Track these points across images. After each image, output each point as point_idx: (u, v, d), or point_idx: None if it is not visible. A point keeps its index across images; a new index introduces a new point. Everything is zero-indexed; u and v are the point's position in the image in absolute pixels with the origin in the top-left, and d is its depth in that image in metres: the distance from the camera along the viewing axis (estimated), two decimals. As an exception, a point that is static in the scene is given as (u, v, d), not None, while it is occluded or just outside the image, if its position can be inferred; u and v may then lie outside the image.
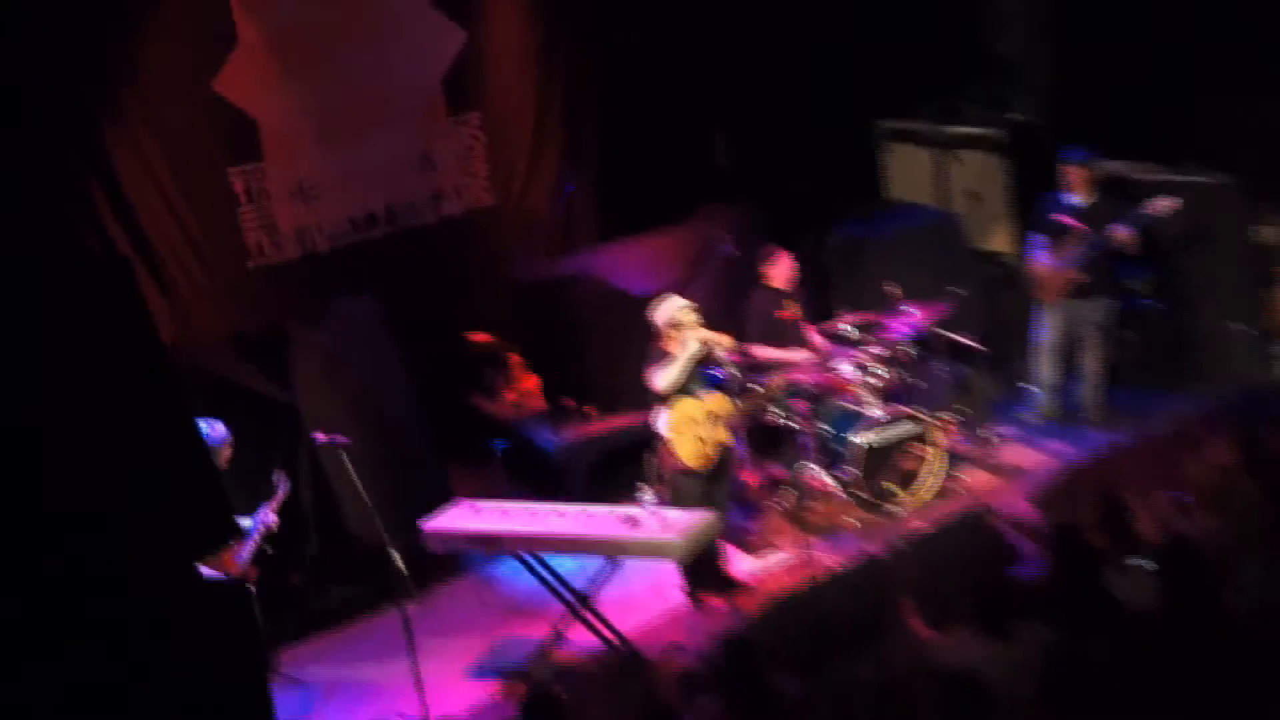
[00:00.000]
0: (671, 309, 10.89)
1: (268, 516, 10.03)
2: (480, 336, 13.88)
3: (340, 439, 10.28)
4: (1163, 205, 12.53)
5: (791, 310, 12.32)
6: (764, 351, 12.09)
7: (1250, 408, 12.25)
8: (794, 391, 12.13)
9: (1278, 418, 11.24)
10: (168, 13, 12.63)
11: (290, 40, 13.46)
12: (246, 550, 9.83)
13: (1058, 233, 12.81)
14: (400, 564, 9.97)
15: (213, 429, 9.75)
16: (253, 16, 13.18)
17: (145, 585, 6.40)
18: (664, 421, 10.95)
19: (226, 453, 9.83)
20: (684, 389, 10.87)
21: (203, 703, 6.60)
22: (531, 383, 13.69)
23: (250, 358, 11.47)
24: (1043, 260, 12.97)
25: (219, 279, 13.26)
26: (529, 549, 10.67)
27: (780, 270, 12.21)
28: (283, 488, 10.16)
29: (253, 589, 9.75)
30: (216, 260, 13.29)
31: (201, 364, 11.19)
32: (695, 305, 11.00)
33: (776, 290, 12.28)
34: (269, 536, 10.03)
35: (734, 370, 11.26)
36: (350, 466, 10.12)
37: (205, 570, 9.12)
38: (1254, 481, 9.63)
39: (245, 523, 9.80)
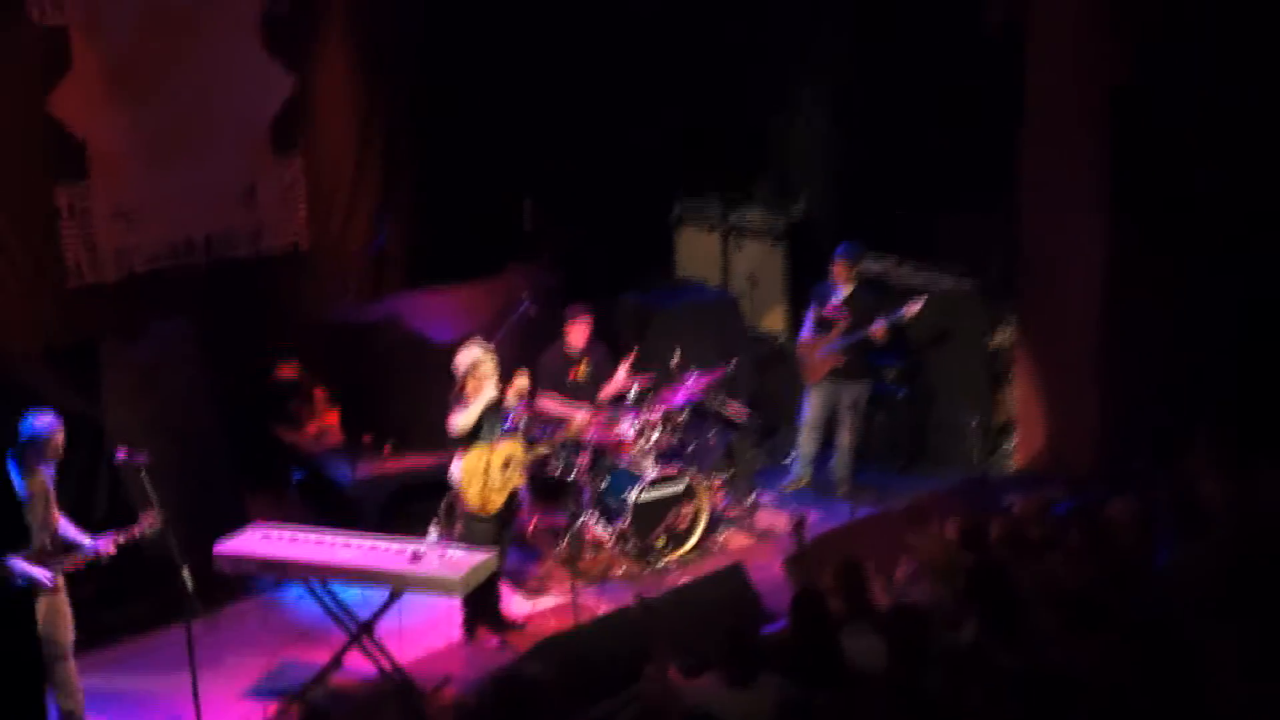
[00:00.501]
0: (473, 354, 10.76)
1: (107, 545, 9.53)
2: (287, 369, 13.76)
3: (139, 457, 9.91)
4: (915, 308, 12.72)
5: (582, 369, 12.27)
6: (549, 403, 12.00)
7: (976, 493, 12.38)
8: (577, 445, 12.02)
9: (998, 506, 11.42)
10: (5, 33, 12.33)
11: (124, 67, 13.12)
12: (59, 565, 9.41)
13: (823, 320, 12.87)
14: (189, 581, 9.62)
15: (40, 418, 9.34)
16: (90, 42, 12.87)
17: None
18: (457, 467, 10.79)
19: (59, 439, 9.40)
20: (479, 434, 10.70)
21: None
22: (333, 418, 13.49)
23: (60, 371, 11.11)
24: (808, 343, 13.05)
25: (36, 292, 12.86)
26: (316, 576, 10.39)
27: (578, 330, 12.15)
28: (142, 526, 9.60)
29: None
30: (35, 274, 12.89)
31: (9, 373, 10.81)
32: (493, 350, 10.85)
33: (570, 349, 12.22)
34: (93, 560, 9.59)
35: (523, 418, 11.15)
36: (148, 483, 9.75)
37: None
38: (970, 556, 9.71)
39: (86, 541, 9.50)
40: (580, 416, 11.98)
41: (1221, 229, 12.40)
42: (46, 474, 9.39)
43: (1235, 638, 8.69)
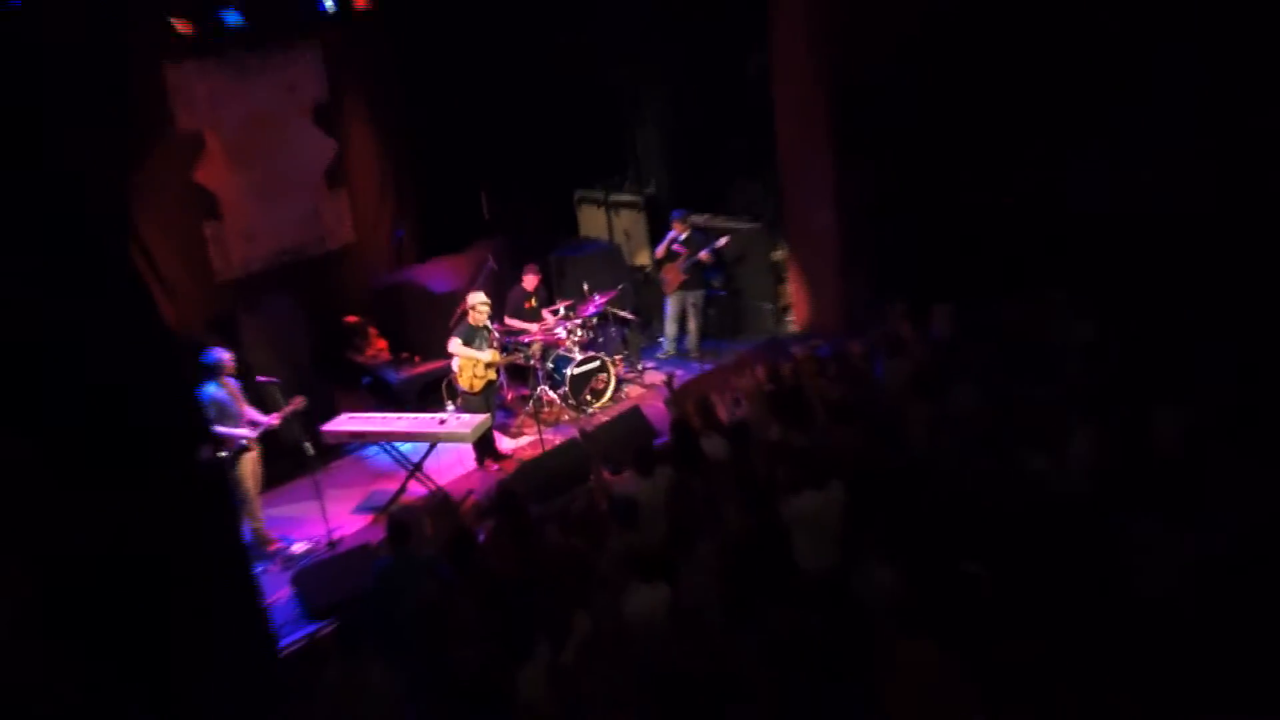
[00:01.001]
0: (477, 298, 11.13)
1: (275, 419, 9.96)
2: (351, 318, 13.81)
3: (271, 379, 10.31)
4: (724, 241, 13.06)
5: (533, 302, 12.51)
6: (515, 324, 12.24)
7: (772, 348, 12.64)
8: (530, 347, 12.20)
9: (787, 354, 11.61)
10: (164, 135, 12.57)
11: (237, 148, 13.26)
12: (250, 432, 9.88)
13: (671, 254, 13.17)
14: (310, 450, 10.02)
15: (215, 350, 9.79)
16: (215, 135, 13.04)
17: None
18: (455, 364, 11.12)
19: (228, 361, 9.81)
20: (473, 345, 11.02)
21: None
22: (383, 344, 13.61)
23: (218, 332, 11.15)
24: (665, 268, 13.30)
25: (199, 287, 13.07)
26: (384, 439, 10.82)
27: (530, 279, 12.38)
28: (293, 406, 10.01)
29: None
30: (198, 277, 13.12)
31: (191, 336, 10.98)
32: (487, 299, 11.17)
33: (525, 290, 12.43)
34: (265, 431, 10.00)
35: (499, 336, 11.39)
36: (279, 394, 10.18)
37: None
38: (774, 386, 9.97)
39: (263, 418, 9.95)
40: (535, 329, 12.29)
41: (906, 180, 12.65)
42: (233, 384, 9.79)
43: (926, 412, 9.27)
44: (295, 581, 9.19)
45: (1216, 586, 7.07)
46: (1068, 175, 11.95)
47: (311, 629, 8.71)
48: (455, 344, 11.07)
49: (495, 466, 11.08)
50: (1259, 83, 10.67)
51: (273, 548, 10.09)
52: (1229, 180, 11.01)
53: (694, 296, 13.30)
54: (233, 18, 12.21)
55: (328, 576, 9.07)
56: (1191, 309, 10.29)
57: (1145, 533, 6.98)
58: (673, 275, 13.21)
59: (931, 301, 10.83)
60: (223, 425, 9.58)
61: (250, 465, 9.89)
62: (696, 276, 13.24)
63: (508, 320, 12.22)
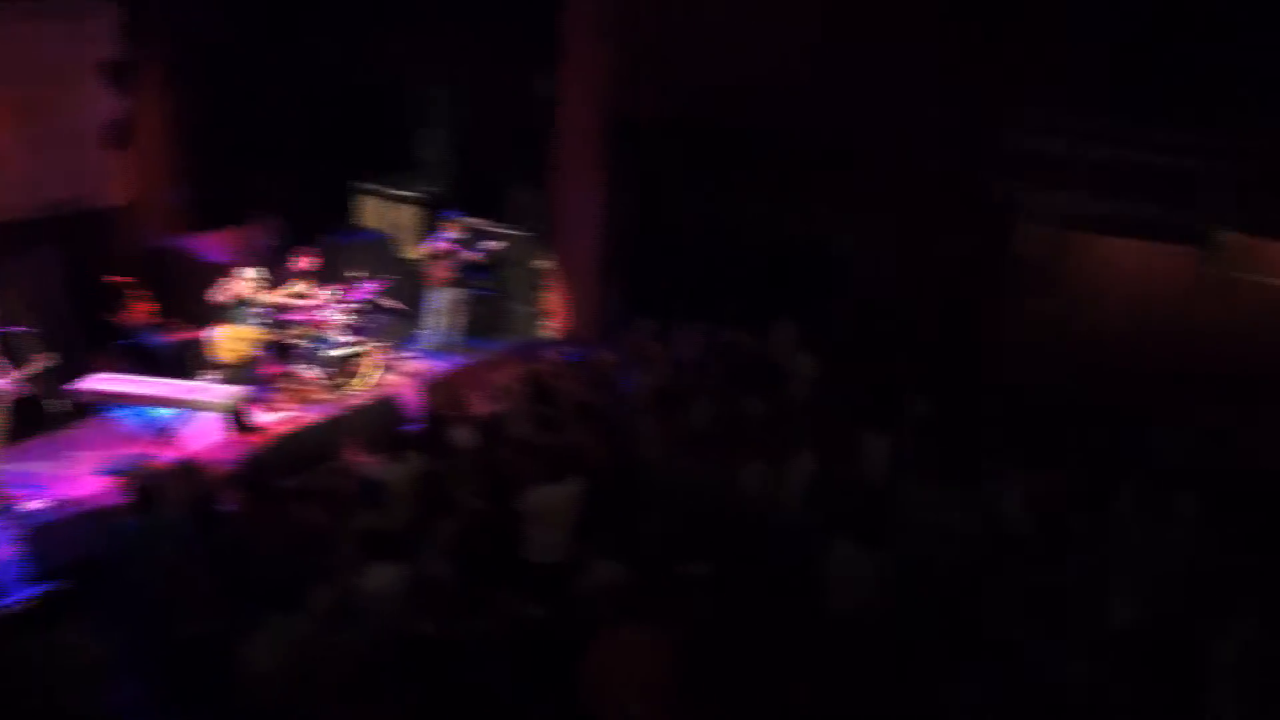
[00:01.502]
0: (244, 274, 11.08)
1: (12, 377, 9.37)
2: (117, 278, 12.94)
3: (23, 329, 9.68)
4: (493, 245, 13.11)
5: (303, 282, 12.06)
6: (282, 302, 11.81)
7: (528, 350, 12.80)
8: (295, 326, 11.87)
9: (541, 356, 11.84)
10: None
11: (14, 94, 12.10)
12: None
13: (441, 252, 13.03)
14: (57, 406, 9.47)
15: None
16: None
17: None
18: (215, 334, 10.72)
19: None
20: (235, 319, 10.67)
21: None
22: (146, 308, 12.69)
23: None
24: (436, 264, 13.17)
25: None
26: (138, 403, 10.31)
27: (301, 260, 12.00)
28: (38, 362, 9.41)
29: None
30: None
31: None
32: (256, 275, 10.77)
33: (296, 270, 12.02)
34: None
35: (264, 312, 11.04)
36: (30, 346, 9.62)
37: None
38: (527, 386, 10.14)
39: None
40: (300, 309, 11.91)
41: (665, 212, 13.20)
42: None
43: (660, 423, 9.53)
44: (27, 539, 8.60)
45: (903, 602, 7.64)
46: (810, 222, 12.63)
47: (41, 589, 8.15)
48: (219, 316, 10.64)
49: (248, 439, 10.76)
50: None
51: (5, 503, 9.44)
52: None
53: (459, 293, 13.26)
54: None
55: (63, 537, 8.53)
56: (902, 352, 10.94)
57: (843, 552, 7.41)
58: (441, 271, 13.13)
59: (677, 323, 11.23)
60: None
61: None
62: (464, 275, 13.21)
63: (275, 297, 11.81)
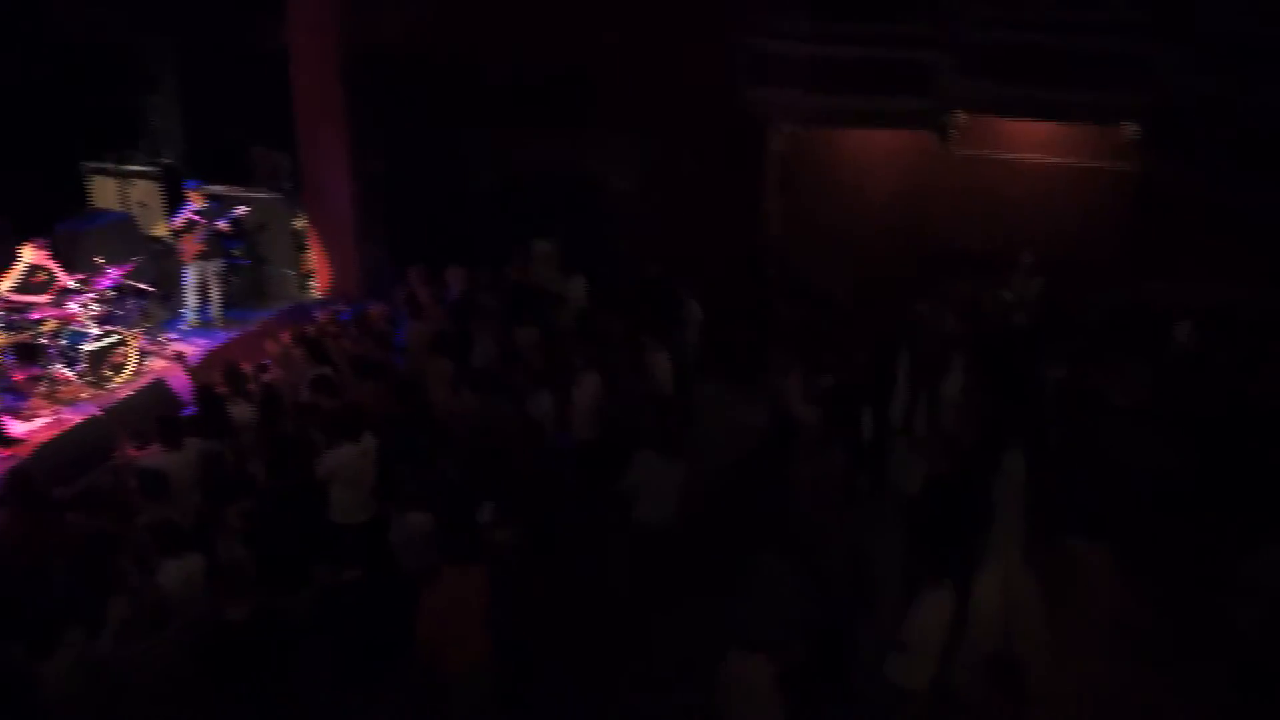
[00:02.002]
0: None
1: None
2: None
3: None
4: (242, 210, 12.40)
5: (42, 276, 10.99)
6: (20, 299, 10.76)
7: (297, 314, 12.32)
8: (41, 324, 10.86)
9: (311, 319, 11.35)
10: None
11: None
12: None
13: (190, 225, 12.26)
14: None
15: None
16: None
17: None
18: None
19: None
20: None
21: None
22: None
23: None
24: (184, 238, 12.34)
25: None
26: None
27: (32, 252, 10.85)
28: None
29: None
30: None
31: None
32: None
33: (27, 265, 10.87)
34: None
35: (2, 314, 10.16)
36: None
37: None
38: (301, 350, 9.76)
39: None
40: (41, 302, 10.89)
41: (417, 152, 12.78)
42: None
43: (446, 367, 9.29)
44: None
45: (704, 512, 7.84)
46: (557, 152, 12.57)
47: None
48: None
49: (6, 453, 9.83)
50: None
51: None
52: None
53: (214, 266, 12.45)
54: None
55: None
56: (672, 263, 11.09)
57: (643, 463, 7.50)
58: (191, 245, 12.29)
59: (445, 265, 10.99)
60: None
61: None
62: (215, 246, 12.40)
63: (10, 296, 10.76)
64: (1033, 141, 12.08)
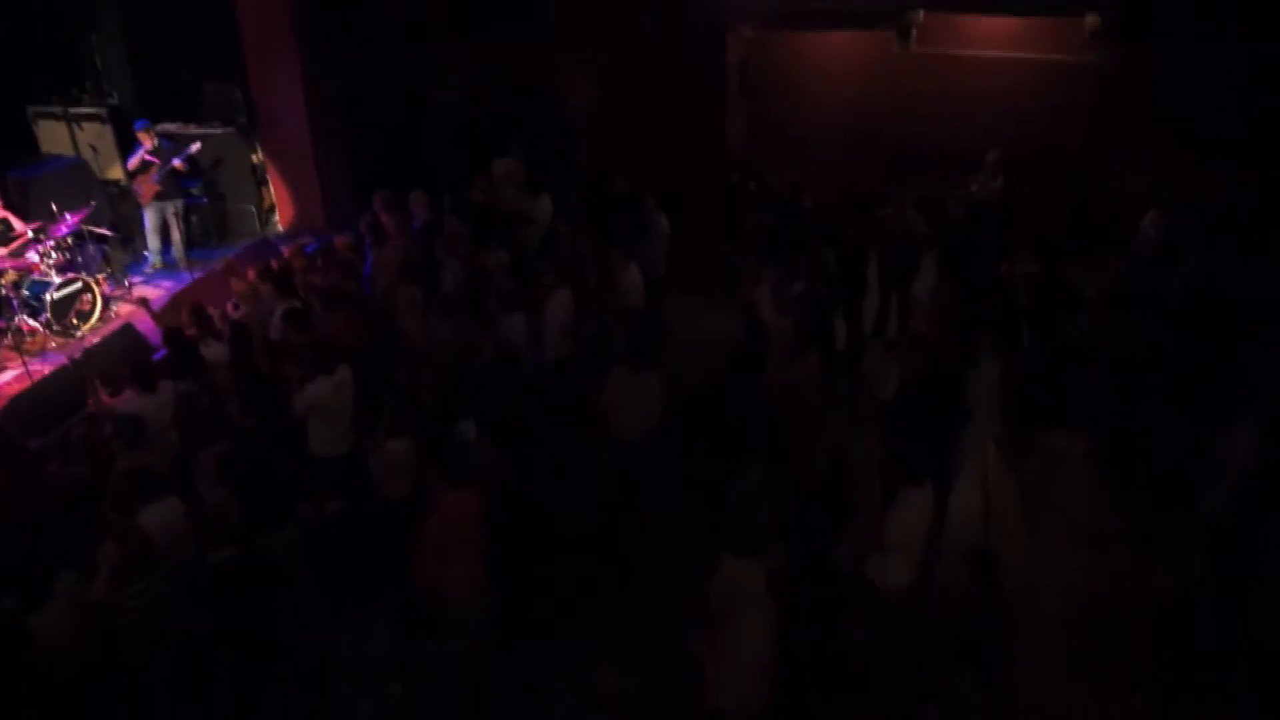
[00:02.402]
0: None
1: None
2: None
3: None
4: (196, 147, 12.16)
5: None
6: None
7: (261, 250, 12.10)
8: (5, 276, 10.66)
9: (277, 254, 11.24)
10: None
11: None
12: None
13: (144, 164, 12.02)
14: None
15: None
16: None
17: None
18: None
19: None
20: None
21: None
22: None
23: None
24: (139, 179, 12.11)
25: None
26: None
27: None
28: None
29: None
30: None
31: None
32: None
33: None
34: None
35: None
36: None
37: None
38: (268, 285, 9.60)
39: None
40: (-1, 256, 10.78)
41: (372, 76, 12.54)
42: None
43: (415, 294, 9.22)
44: None
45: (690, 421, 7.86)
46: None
47: None
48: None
49: (-22, 405, 9.72)
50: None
51: None
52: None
53: (173, 206, 12.25)
54: None
55: None
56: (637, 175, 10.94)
57: (619, 379, 7.50)
58: (147, 187, 12.07)
59: (408, 190, 10.81)
60: None
61: None
62: (172, 186, 12.19)
63: (-32, 251, 10.58)
64: (993, 37, 11.98)
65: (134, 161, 12.08)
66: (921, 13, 11.61)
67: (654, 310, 9.67)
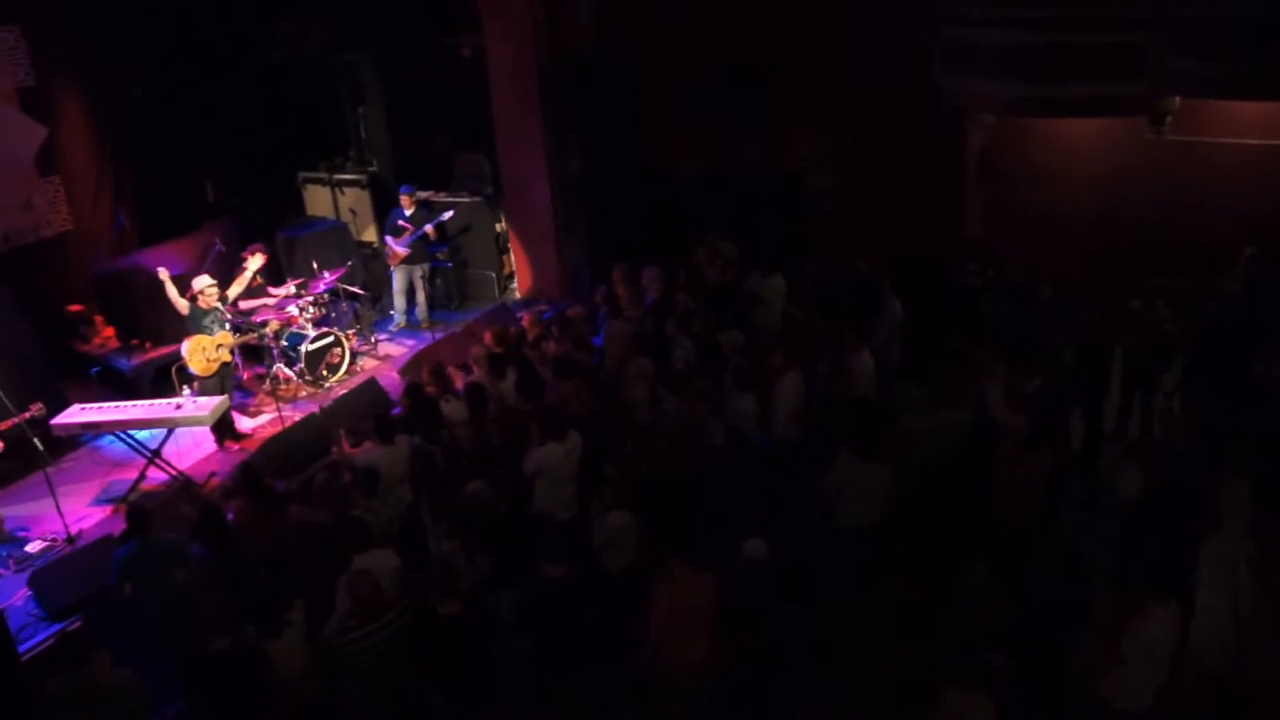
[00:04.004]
0: (202, 283, 10.50)
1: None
2: (75, 306, 12.66)
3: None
4: (448, 215, 12.83)
5: (259, 280, 11.72)
6: (245, 304, 11.51)
7: (500, 315, 12.50)
8: (264, 326, 11.50)
9: (514, 320, 11.57)
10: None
11: None
12: None
13: (398, 230, 12.80)
14: (39, 445, 9.23)
15: None
16: None
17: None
18: (185, 349, 10.46)
19: None
20: (202, 328, 10.44)
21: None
22: (109, 331, 12.52)
23: None
24: (391, 244, 12.89)
25: None
26: (119, 428, 9.99)
27: (254, 257, 11.57)
28: (27, 413, 9.09)
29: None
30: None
31: None
32: (214, 281, 10.55)
33: (251, 269, 11.59)
34: None
35: (230, 317, 10.82)
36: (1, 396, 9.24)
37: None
38: (506, 351, 9.96)
39: None
40: (266, 308, 11.63)
41: (613, 153, 13.01)
42: None
43: (646, 367, 9.39)
44: (32, 582, 8.33)
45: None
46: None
47: (56, 629, 7.96)
48: (185, 328, 10.46)
49: (236, 446, 10.56)
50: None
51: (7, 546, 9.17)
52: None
53: (420, 269, 13.05)
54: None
55: (69, 573, 8.27)
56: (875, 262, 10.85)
57: (845, 465, 7.38)
58: (398, 250, 12.87)
59: (643, 265, 11.03)
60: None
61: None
62: (421, 250, 12.98)
63: (238, 300, 11.51)
64: (1251, 123, 11.22)
65: (394, 225, 12.88)
66: (1177, 99, 11.01)
67: (883, 397, 9.45)
